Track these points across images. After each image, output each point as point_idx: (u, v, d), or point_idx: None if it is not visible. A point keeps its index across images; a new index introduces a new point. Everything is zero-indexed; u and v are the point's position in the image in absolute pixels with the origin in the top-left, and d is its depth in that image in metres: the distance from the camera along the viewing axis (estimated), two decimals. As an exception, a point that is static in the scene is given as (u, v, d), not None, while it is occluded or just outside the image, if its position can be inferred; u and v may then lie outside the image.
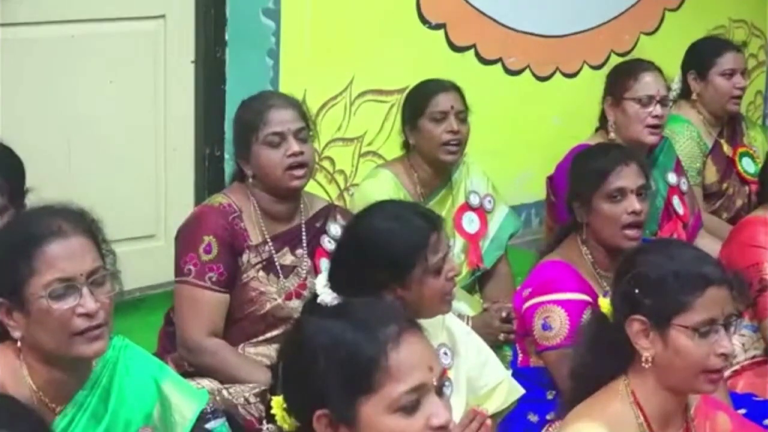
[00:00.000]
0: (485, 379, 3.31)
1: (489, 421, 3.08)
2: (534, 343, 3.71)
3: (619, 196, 3.71)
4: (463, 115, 4.46)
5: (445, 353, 3.25)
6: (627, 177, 3.72)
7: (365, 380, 2.04)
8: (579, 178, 3.84)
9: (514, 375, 3.78)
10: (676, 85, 5.19)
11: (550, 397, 3.74)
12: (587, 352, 2.76)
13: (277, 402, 2.16)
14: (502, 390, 3.34)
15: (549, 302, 3.65)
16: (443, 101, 4.45)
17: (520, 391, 3.39)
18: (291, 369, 2.17)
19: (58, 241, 2.48)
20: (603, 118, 4.73)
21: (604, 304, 2.74)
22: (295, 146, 3.74)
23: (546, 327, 3.64)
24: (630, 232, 3.70)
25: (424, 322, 3.17)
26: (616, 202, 3.71)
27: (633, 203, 3.69)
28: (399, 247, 3.05)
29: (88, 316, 2.48)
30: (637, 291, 2.64)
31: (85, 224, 2.56)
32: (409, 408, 2.05)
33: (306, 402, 2.08)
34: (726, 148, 5.26)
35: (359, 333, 2.08)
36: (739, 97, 5.23)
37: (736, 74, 5.18)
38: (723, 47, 5.30)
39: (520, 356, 3.81)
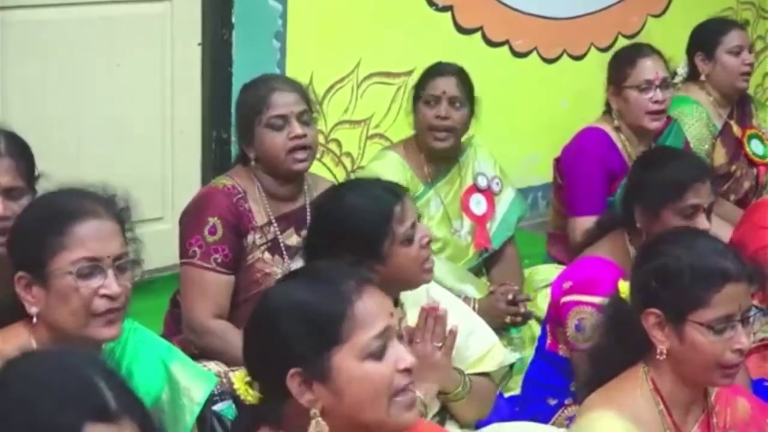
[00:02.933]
0: (473, 349, 3.31)
1: (441, 312, 3.12)
2: (564, 336, 3.67)
3: (692, 212, 3.61)
4: (457, 102, 4.42)
5: None
6: (703, 195, 3.63)
7: (334, 332, 2.11)
8: (649, 184, 3.69)
9: (540, 356, 3.78)
10: (681, 70, 5.18)
11: (573, 389, 3.70)
12: (605, 336, 2.73)
13: (238, 377, 2.22)
14: (493, 356, 3.34)
15: (586, 303, 3.57)
16: (436, 85, 4.43)
17: (510, 359, 3.42)
18: (256, 338, 2.21)
19: (91, 221, 2.52)
20: (608, 105, 4.72)
21: (624, 288, 2.69)
22: (298, 129, 3.74)
23: (579, 328, 3.57)
24: None
25: (409, 294, 3.21)
26: (688, 219, 3.60)
27: (704, 221, 3.59)
28: (364, 222, 3.07)
29: (110, 298, 2.50)
30: (654, 283, 2.60)
31: (115, 210, 2.60)
32: (378, 353, 2.13)
33: (276, 367, 2.12)
34: (735, 130, 5.25)
35: (322, 290, 2.16)
36: (749, 74, 5.22)
37: (743, 51, 5.17)
38: (727, 25, 5.30)
39: (549, 339, 3.75)
